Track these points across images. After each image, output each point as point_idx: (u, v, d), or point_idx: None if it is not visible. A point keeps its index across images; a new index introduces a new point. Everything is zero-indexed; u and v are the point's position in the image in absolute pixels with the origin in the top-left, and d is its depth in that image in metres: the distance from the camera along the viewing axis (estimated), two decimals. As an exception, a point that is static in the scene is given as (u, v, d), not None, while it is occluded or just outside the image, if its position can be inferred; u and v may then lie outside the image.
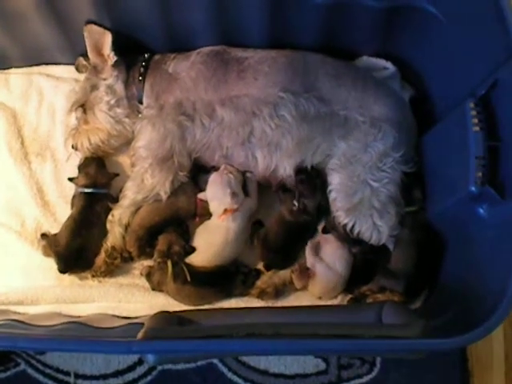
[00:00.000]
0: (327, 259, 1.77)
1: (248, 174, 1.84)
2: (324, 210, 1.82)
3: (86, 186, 1.85)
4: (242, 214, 1.80)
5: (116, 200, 1.86)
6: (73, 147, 1.93)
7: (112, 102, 1.87)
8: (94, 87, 1.89)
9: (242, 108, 1.76)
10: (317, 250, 1.79)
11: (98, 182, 1.86)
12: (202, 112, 1.77)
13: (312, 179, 1.80)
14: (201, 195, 1.83)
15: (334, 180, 1.76)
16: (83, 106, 1.91)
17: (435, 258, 1.74)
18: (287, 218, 1.82)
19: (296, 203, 1.79)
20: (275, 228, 1.82)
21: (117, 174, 1.90)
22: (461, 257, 1.63)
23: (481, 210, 1.50)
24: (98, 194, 1.86)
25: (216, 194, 1.80)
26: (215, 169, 1.85)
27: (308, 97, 1.75)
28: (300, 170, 1.80)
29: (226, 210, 1.77)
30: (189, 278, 1.72)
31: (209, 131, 1.78)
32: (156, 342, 1.25)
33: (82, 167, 1.89)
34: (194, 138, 1.79)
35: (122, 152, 1.97)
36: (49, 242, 1.81)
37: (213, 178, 1.81)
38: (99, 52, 1.84)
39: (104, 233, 1.82)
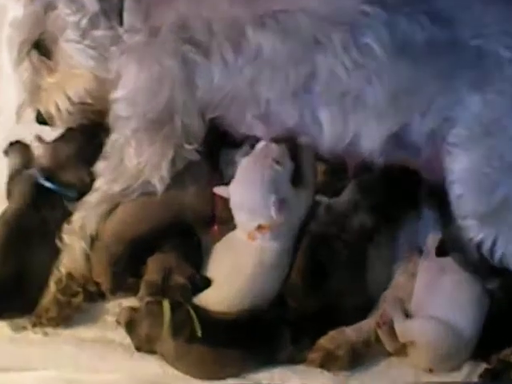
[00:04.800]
0: (440, 305, 1.33)
1: (302, 140, 1.41)
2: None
3: (43, 171, 1.39)
4: (287, 227, 1.36)
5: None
6: (40, 120, 1.47)
7: (83, 22, 1.40)
8: (49, 6, 1.41)
9: (295, 32, 1.31)
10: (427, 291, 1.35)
11: (61, 174, 1.41)
12: (222, 39, 1.33)
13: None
14: (220, 190, 1.37)
15: (459, 164, 1.32)
16: (38, 45, 1.46)
17: None
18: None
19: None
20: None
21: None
22: None
23: None
24: (54, 192, 1.42)
25: (249, 199, 1.34)
26: (249, 143, 1.42)
27: (412, 13, 1.30)
28: None
29: (260, 227, 1.33)
30: (199, 332, 1.27)
31: (235, 72, 1.33)
32: None
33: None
34: (208, 84, 1.34)
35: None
36: None
37: (245, 166, 1.36)
38: None
39: (55, 252, 1.39)
